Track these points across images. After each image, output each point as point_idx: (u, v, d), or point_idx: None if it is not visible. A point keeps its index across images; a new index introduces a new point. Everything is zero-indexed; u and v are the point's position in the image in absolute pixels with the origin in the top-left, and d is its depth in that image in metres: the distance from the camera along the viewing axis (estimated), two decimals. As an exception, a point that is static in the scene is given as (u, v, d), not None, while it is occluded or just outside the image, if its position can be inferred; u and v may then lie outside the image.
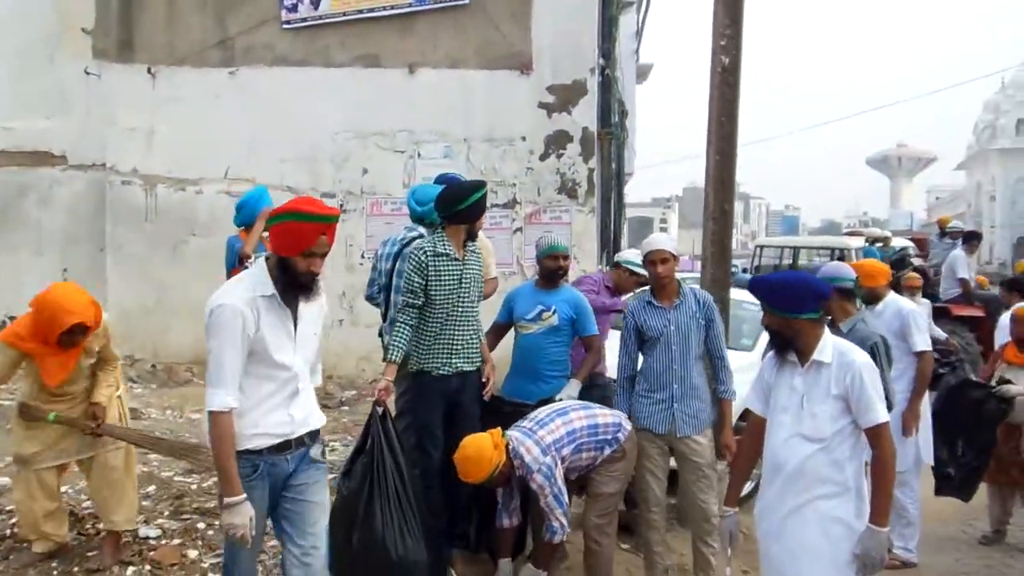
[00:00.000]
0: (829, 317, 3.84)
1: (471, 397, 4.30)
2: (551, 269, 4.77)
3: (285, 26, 9.43)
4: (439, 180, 4.91)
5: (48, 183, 9.78)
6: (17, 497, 4.08)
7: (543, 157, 9.27)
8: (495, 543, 4.27)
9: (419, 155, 9.37)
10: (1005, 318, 6.40)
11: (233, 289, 2.96)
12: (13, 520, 4.40)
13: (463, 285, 4.23)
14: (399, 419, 4.21)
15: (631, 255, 5.51)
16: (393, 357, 4.12)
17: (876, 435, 3.10)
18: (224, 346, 2.85)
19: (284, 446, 3.02)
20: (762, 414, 3.40)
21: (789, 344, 3.27)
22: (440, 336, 4.22)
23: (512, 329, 4.85)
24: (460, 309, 4.24)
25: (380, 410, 3.88)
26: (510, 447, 3.89)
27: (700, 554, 4.42)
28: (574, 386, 4.63)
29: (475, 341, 4.34)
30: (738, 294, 6.31)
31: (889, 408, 3.64)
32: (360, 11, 9.34)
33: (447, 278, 4.18)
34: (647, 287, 4.68)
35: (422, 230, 4.70)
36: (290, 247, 2.91)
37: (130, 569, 4.00)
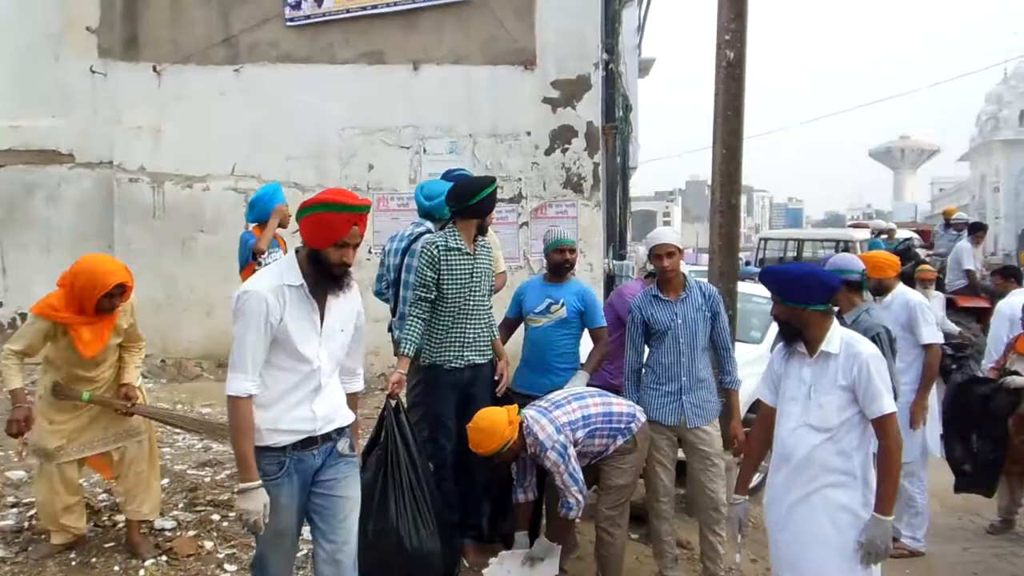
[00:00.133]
0: (837, 308, 3.87)
1: (483, 389, 4.35)
2: (558, 262, 4.80)
3: (289, 23, 9.47)
4: (447, 176, 4.95)
5: (56, 181, 9.83)
6: (38, 491, 4.09)
7: (548, 152, 9.30)
8: (512, 516, 4.33)
9: (425, 151, 9.42)
10: (1002, 306, 6.42)
11: (261, 277, 2.98)
12: (31, 512, 4.46)
13: (474, 279, 4.28)
14: (410, 412, 4.26)
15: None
16: (406, 351, 4.17)
17: (882, 425, 3.13)
18: (246, 332, 2.84)
19: (309, 442, 2.99)
20: (772, 404, 3.44)
21: (797, 334, 3.30)
22: (452, 330, 4.27)
23: (522, 324, 4.90)
24: (472, 303, 4.29)
25: (394, 403, 3.94)
26: (524, 424, 3.95)
27: (708, 542, 4.47)
28: (582, 378, 4.66)
29: (486, 334, 4.39)
30: (746, 287, 6.34)
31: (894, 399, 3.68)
32: (364, 8, 9.37)
33: (459, 272, 4.23)
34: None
35: (429, 225, 4.75)
36: (322, 238, 2.89)
37: (148, 560, 4.05)
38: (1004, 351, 5.96)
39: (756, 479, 4.99)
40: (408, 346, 4.17)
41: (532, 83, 9.26)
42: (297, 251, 2.99)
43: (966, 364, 6.13)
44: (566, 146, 9.28)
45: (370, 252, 8.76)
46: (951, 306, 10.07)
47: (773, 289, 3.36)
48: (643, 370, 4.55)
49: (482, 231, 4.40)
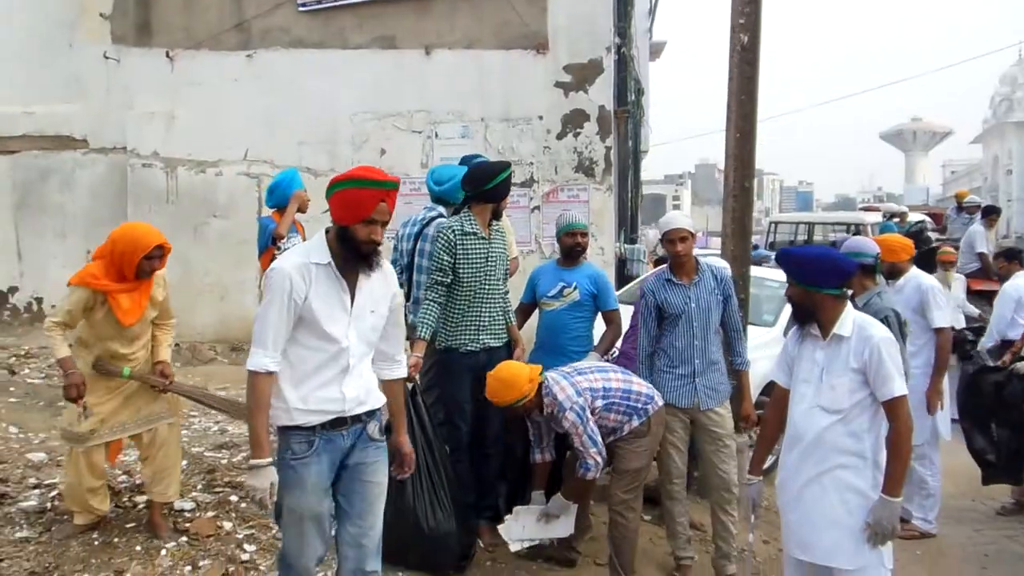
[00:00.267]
0: (851, 291, 3.88)
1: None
2: (570, 246, 4.83)
3: (301, 8, 9.47)
4: (465, 162, 4.97)
5: (70, 167, 9.91)
6: (66, 474, 4.14)
7: (560, 136, 9.30)
8: (530, 476, 4.39)
9: (436, 135, 9.43)
10: (1008, 287, 6.41)
11: (290, 255, 2.98)
12: (54, 493, 4.54)
13: (489, 263, 4.32)
14: (426, 394, 4.30)
15: (710, 259, 5.23)
16: (422, 334, 4.21)
17: (893, 408, 3.14)
18: (269, 308, 2.83)
19: (338, 422, 2.96)
20: (786, 386, 3.47)
21: (810, 316, 3.33)
22: (468, 313, 4.31)
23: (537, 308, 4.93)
24: (487, 287, 4.33)
25: (410, 386, 3.97)
26: (544, 385, 4.01)
27: (720, 523, 4.52)
28: (594, 360, 4.70)
29: (501, 318, 4.43)
30: (759, 271, 6.35)
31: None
32: (376, -8, 9.36)
33: (474, 256, 4.26)
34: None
35: (442, 210, 4.78)
36: (350, 215, 2.87)
37: (170, 542, 4.10)
38: (1021, 337, 5.96)
39: (769, 461, 5.02)
40: (424, 329, 4.21)
41: (544, 67, 9.25)
42: (327, 230, 2.97)
43: (977, 353, 6.12)
44: (578, 130, 9.27)
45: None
46: (965, 289, 10.05)
47: (789, 270, 3.38)
48: (656, 353, 4.58)
49: (497, 216, 4.43)
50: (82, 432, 3.98)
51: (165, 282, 4.14)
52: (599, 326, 4.89)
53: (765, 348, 6.00)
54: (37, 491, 4.63)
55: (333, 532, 3.10)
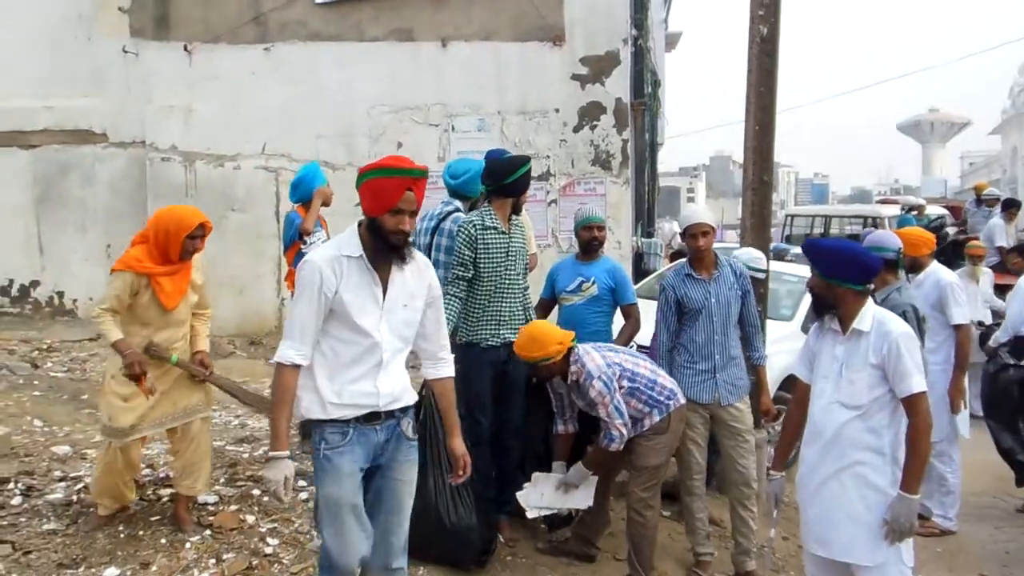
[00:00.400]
0: (873, 287, 3.87)
1: (518, 367, 4.39)
2: (587, 240, 4.84)
3: (318, 1, 9.49)
4: (488, 157, 4.97)
5: (90, 161, 9.99)
6: (98, 467, 4.13)
7: (577, 129, 9.29)
8: (552, 447, 4.43)
9: (453, 128, 9.44)
10: (1022, 281, 6.35)
11: (323, 248, 2.99)
12: (79, 486, 4.59)
13: (509, 257, 4.32)
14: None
15: (747, 255, 5.25)
16: (444, 329, 4.22)
17: (912, 404, 3.12)
18: (300, 301, 2.85)
19: (372, 417, 2.95)
20: (808, 381, 3.46)
21: (829, 308, 3.33)
22: (488, 308, 4.31)
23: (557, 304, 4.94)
24: (507, 281, 4.33)
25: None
26: (574, 352, 4.05)
27: (740, 518, 4.52)
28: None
29: (521, 312, 4.43)
30: (776, 265, 6.33)
31: None
32: (393, -15, 9.37)
33: (495, 250, 4.27)
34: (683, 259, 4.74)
35: (458, 204, 4.78)
36: (378, 205, 2.85)
37: (194, 536, 4.13)
38: None
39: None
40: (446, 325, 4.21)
41: (561, 59, 9.25)
42: (360, 223, 2.95)
43: (999, 353, 6.06)
44: (595, 123, 9.26)
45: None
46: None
47: (814, 261, 3.37)
48: (676, 349, 4.58)
49: (516, 210, 4.43)
50: (123, 427, 3.96)
51: (202, 265, 4.20)
52: (618, 320, 4.89)
53: (782, 342, 6.01)
54: (63, 484, 4.68)
55: None
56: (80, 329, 9.23)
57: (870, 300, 3.33)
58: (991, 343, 6.00)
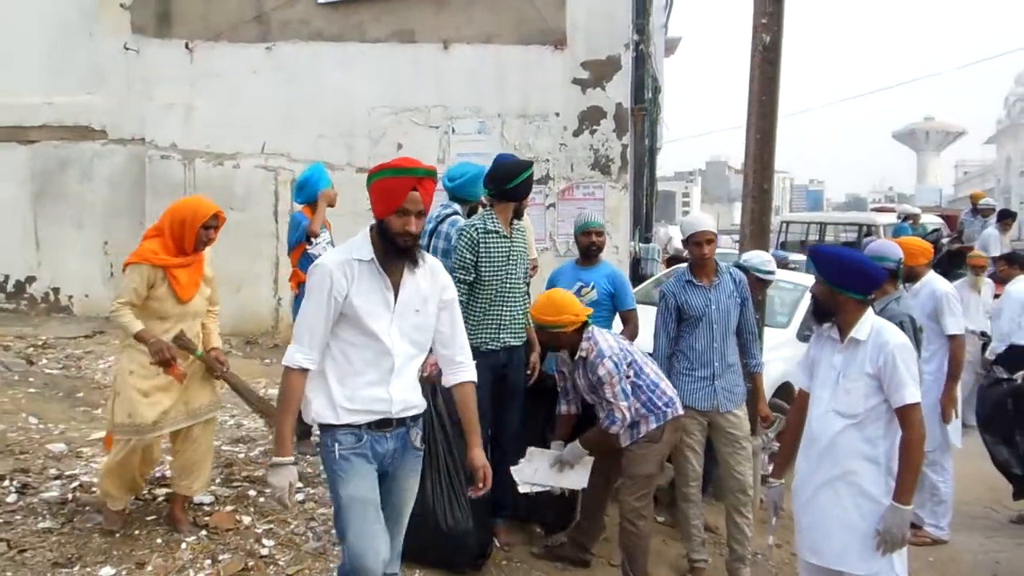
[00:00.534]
0: (873, 298, 3.89)
1: (518, 371, 4.41)
2: (585, 245, 4.87)
3: (320, 1, 9.48)
4: (497, 161, 4.96)
5: (89, 157, 9.97)
6: (112, 463, 4.04)
7: (577, 133, 9.31)
8: (554, 426, 4.44)
9: (453, 130, 9.44)
10: (1010, 289, 6.37)
11: (334, 251, 2.98)
12: (75, 484, 4.58)
13: (511, 261, 4.33)
14: (446, 394, 4.30)
15: (757, 259, 5.27)
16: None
17: (905, 415, 3.13)
18: (309, 304, 2.83)
19: (384, 423, 2.93)
20: (807, 389, 3.48)
21: (828, 315, 3.34)
22: (489, 311, 4.32)
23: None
24: (508, 285, 4.34)
25: (430, 386, 3.99)
26: (588, 330, 4.08)
27: (735, 525, 4.54)
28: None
29: (521, 317, 4.44)
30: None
31: None
32: (394, -14, 9.37)
33: (496, 254, 4.27)
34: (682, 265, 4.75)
35: (457, 207, 4.80)
36: (384, 206, 2.83)
37: (190, 536, 4.13)
38: None
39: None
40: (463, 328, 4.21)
41: (562, 63, 9.26)
42: (371, 227, 2.93)
43: (993, 366, 6.08)
44: (595, 127, 9.27)
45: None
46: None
47: (819, 268, 3.37)
48: (675, 355, 4.59)
49: (518, 215, 4.44)
50: (146, 423, 3.91)
51: (212, 260, 4.21)
52: (616, 326, 4.89)
53: (778, 350, 6.02)
54: (58, 482, 4.67)
55: None
56: (76, 326, 9.22)
57: (869, 310, 3.34)
58: (987, 355, 6.02)
